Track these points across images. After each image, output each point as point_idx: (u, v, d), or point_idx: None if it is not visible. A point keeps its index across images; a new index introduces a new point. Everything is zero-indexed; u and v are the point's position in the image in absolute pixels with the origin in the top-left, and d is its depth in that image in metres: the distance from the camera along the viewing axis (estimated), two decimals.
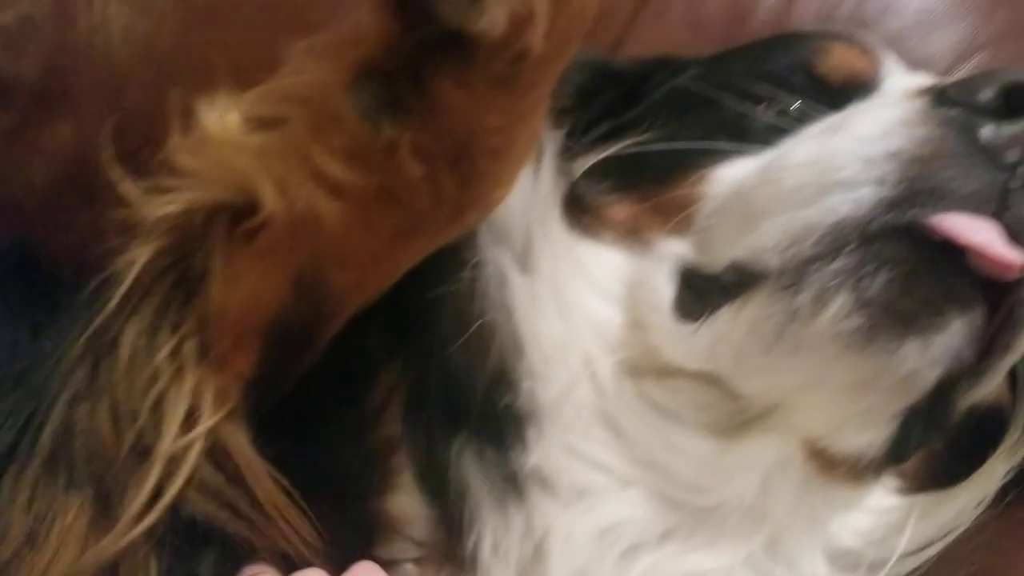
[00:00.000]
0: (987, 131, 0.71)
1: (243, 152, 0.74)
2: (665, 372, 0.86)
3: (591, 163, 0.99)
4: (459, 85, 0.63)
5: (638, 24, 1.38)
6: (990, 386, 0.77)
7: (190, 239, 0.77)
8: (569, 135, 1.05)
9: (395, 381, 0.85)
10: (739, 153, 0.88)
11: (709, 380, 0.84)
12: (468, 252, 0.85)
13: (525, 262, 0.89)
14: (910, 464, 0.90)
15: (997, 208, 0.69)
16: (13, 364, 1.06)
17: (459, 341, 0.83)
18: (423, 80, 0.64)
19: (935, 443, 0.87)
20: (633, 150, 0.98)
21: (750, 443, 0.85)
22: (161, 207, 0.78)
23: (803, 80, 0.95)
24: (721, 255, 0.81)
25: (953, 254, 0.68)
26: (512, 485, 0.84)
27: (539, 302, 0.87)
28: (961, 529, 0.88)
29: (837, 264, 0.70)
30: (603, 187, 0.96)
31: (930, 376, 0.72)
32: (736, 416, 0.85)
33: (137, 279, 0.78)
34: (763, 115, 0.93)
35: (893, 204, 0.70)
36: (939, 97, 0.75)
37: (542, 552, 0.83)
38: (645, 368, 0.87)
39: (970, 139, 0.71)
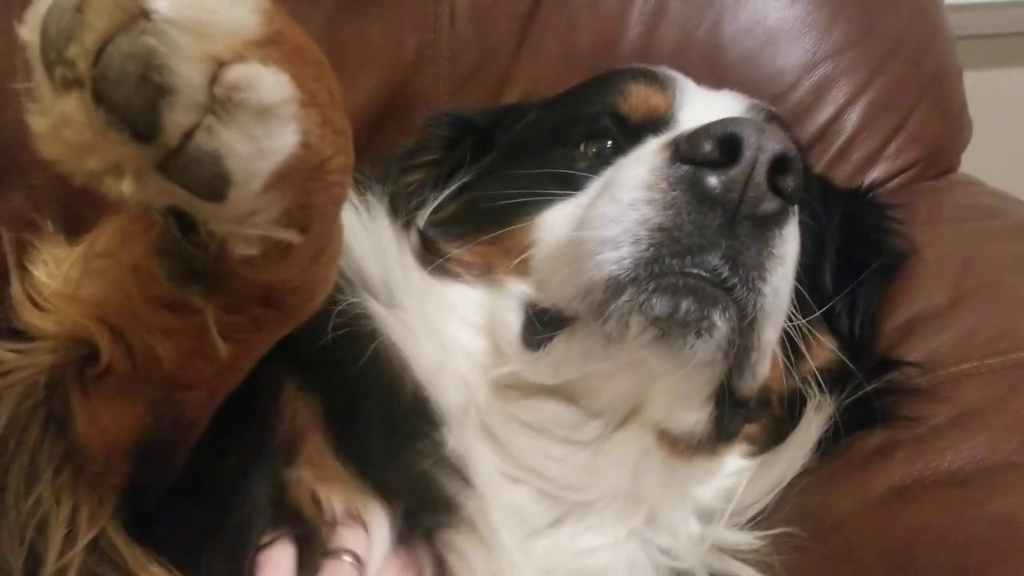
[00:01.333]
0: (711, 180, 0.84)
1: (77, 305, 0.77)
2: (529, 391, 1.00)
3: (428, 213, 1.15)
4: (244, 263, 0.66)
5: (520, 61, 1.51)
6: (761, 373, 0.91)
7: (48, 384, 0.80)
8: (426, 187, 1.21)
9: (308, 411, 0.94)
10: (563, 197, 1.02)
11: (568, 398, 1.00)
12: (337, 301, 0.96)
13: (390, 303, 1.02)
14: (756, 433, 1.07)
15: (727, 240, 0.84)
16: None
17: (361, 362, 0.96)
18: (213, 258, 0.67)
19: (751, 421, 1.04)
20: (476, 194, 1.16)
21: (614, 445, 1.01)
22: (16, 363, 0.82)
23: (611, 122, 1.11)
24: (550, 296, 0.96)
25: (700, 278, 0.85)
26: (428, 473, 0.95)
27: (412, 332, 1.01)
28: (792, 475, 1.04)
29: (623, 300, 0.86)
30: (452, 233, 1.12)
31: (705, 357, 0.88)
32: (597, 427, 1.01)
33: (10, 419, 0.81)
34: (580, 158, 1.09)
35: (648, 260, 0.85)
36: (674, 154, 0.87)
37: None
38: (512, 388, 1.01)
39: (699, 191, 0.85)
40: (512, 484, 1.00)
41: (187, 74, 0.55)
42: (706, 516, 1.05)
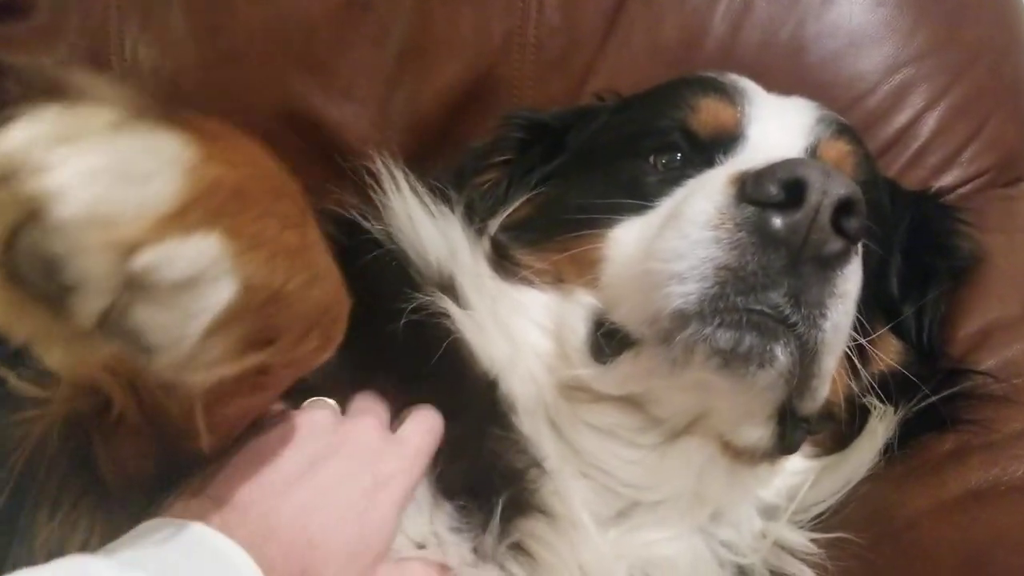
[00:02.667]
0: (776, 223, 0.87)
1: (92, 360, 0.74)
2: (595, 396, 1.04)
3: (501, 220, 1.18)
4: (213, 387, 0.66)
5: (605, 52, 1.54)
6: (821, 396, 0.95)
7: (67, 425, 0.83)
8: (500, 187, 1.25)
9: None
10: (633, 211, 1.06)
11: (634, 405, 1.04)
12: (407, 301, 1.02)
13: (463, 303, 1.07)
14: (820, 437, 1.11)
15: (791, 279, 0.87)
16: None
17: (434, 358, 1.01)
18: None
19: (813, 434, 1.07)
20: (547, 199, 1.20)
21: (679, 450, 1.05)
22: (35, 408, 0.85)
23: (680, 137, 1.13)
24: (618, 315, 1.00)
25: (763, 314, 0.88)
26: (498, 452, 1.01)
27: (484, 330, 1.06)
28: (857, 479, 1.07)
29: (688, 331, 0.90)
30: (524, 239, 1.16)
31: (767, 383, 0.91)
32: (662, 433, 1.05)
33: (35, 449, 0.84)
34: (651, 171, 1.11)
35: (714, 297, 0.88)
36: (740, 192, 0.89)
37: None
38: (579, 390, 1.05)
39: (764, 233, 0.87)
40: (579, 476, 1.04)
41: (91, 267, 0.54)
42: (769, 513, 1.09)
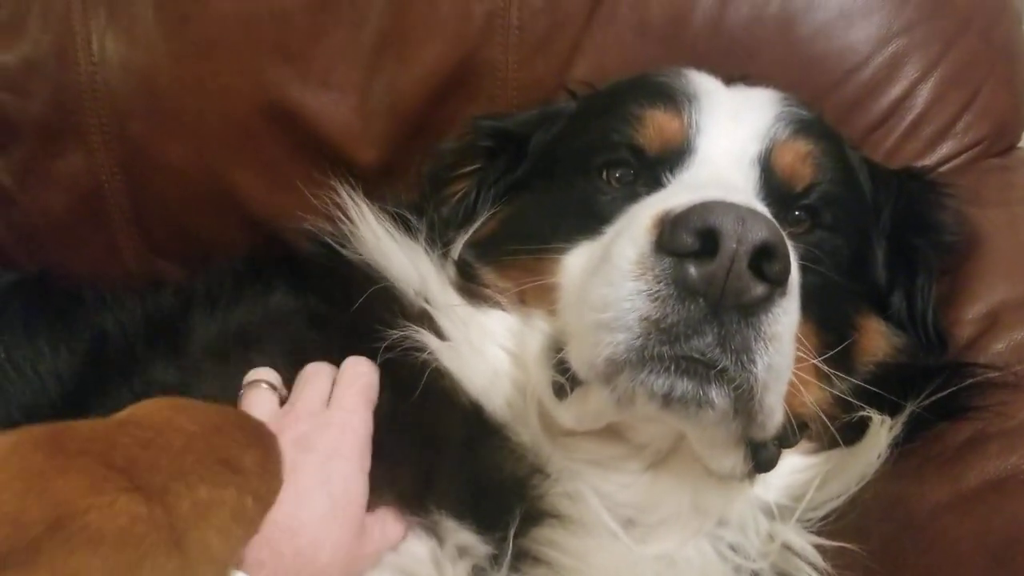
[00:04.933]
0: (692, 274, 0.86)
1: None
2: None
3: (463, 241, 1.18)
4: None
5: (590, 31, 1.49)
6: (772, 425, 0.93)
7: None
8: (470, 196, 1.26)
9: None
10: (585, 234, 1.05)
11: (615, 432, 1.03)
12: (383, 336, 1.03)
13: (440, 334, 1.07)
14: (814, 432, 1.08)
15: (716, 326, 0.86)
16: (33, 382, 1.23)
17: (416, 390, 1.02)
18: None
19: (789, 447, 1.05)
20: (507, 214, 1.20)
21: (669, 471, 1.05)
22: None
23: (628, 153, 1.12)
24: (569, 350, 0.98)
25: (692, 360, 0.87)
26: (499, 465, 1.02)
27: (461, 357, 1.06)
28: (867, 478, 1.05)
29: (623, 377, 0.89)
30: (487, 257, 1.15)
31: (712, 422, 0.91)
32: (647, 458, 1.05)
33: None
34: (604, 189, 1.11)
35: (639, 348, 0.87)
36: (659, 241, 0.88)
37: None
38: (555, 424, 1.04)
39: (682, 284, 0.86)
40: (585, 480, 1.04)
41: None
42: (776, 513, 1.08)
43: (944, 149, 1.47)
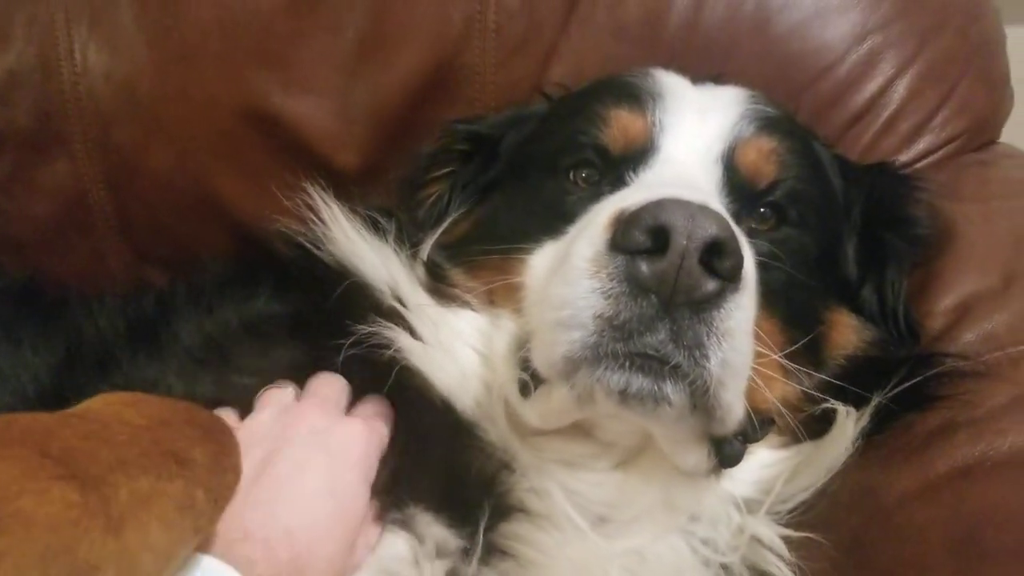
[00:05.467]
0: (644, 271, 0.87)
1: None
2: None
3: (431, 242, 1.19)
4: None
5: (567, 34, 1.49)
6: (732, 420, 0.94)
7: None
8: (444, 199, 1.27)
9: None
10: (550, 234, 1.07)
11: (583, 431, 1.04)
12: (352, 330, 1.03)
13: (412, 332, 1.08)
14: (781, 426, 1.08)
15: (668, 323, 0.87)
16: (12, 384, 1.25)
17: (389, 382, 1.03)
18: None
19: (754, 441, 1.06)
20: (478, 216, 1.22)
21: (639, 469, 1.06)
22: None
23: (593, 154, 1.13)
24: (532, 348, 0.99)
25: (647, 356, 0.88)
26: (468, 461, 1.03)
27: (431, 357, 1.06)
28: (834, 470, 1.06)
29: (580, 375, 0.91)
30: (457, 259, 1.16)
31: (671, 418, 0.92)
32: (616, 456, 1.05)
33: None
34: (571, 189, 1.12)
35: (594, 344, 0.89)
36: (613, 240, 0.90)
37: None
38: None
39: (634, 282, 0.88)
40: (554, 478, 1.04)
41: None
42: (746, 507, 1.08)
43: (921, 144, 1.47)
